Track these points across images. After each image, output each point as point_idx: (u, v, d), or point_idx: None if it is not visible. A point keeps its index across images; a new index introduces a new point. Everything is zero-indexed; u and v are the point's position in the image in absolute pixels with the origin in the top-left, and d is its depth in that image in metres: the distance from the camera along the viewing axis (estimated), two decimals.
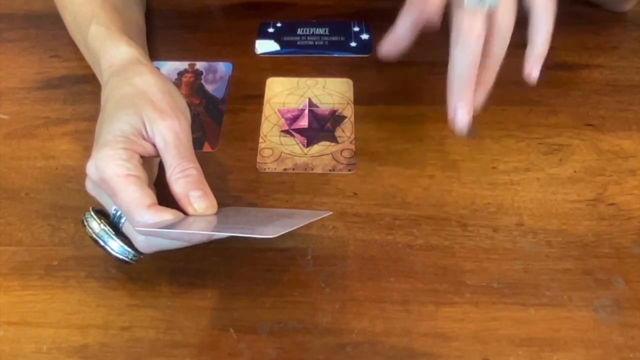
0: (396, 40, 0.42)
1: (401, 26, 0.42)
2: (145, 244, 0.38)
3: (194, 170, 0.38)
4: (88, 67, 0.51)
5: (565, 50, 0.57)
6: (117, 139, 0.38)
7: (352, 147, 0.49)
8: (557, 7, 0.43)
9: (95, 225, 0.38)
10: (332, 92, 0.54)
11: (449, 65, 0.40)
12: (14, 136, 0.50)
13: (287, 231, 0.34)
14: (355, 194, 0.46)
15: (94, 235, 0.38)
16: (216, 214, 0.39)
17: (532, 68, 0.42)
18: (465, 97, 0.40)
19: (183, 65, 0.56)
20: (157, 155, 0.40)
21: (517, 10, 0.40)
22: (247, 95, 0.54)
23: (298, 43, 0.59)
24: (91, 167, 0.37)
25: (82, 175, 0.40)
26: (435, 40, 0.57)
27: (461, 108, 0.40)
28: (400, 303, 0.40)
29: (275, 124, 0.51)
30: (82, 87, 0.54)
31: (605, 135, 0.50)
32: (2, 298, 0.40)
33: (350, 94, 0.53)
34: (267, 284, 0.41)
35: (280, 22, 0.61)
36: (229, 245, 0.42)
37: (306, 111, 0.52)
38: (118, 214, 0.38)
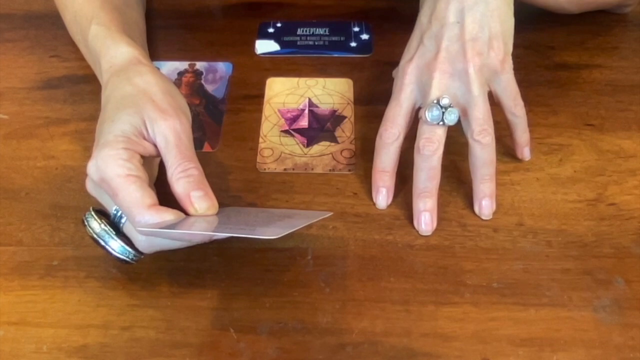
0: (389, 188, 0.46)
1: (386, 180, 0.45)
2: (145, 244, 0.38)
3: (195, 170, 0.38)
4: (88, 67, 0.51)
5: (565, 50, 0.57)
6: (118, 139, 0.38)
7: (352, 147, 0.49)
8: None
9: (96, 225, 0.38)
10: (332, 92, 0.54)
11: (413, 174, 0.44)
12: (14, 136, 0.50)
13: (288, 232, 0.34)
14: (355, 194, 0.46)
15: (95, 235, 0.38)
16: (217, 214, 0.39)
17: (524, 152, 0.48)
18: (429, 206, 0.43)
19: (183, 65, 0.56)
20: (158, 155, 0.40)
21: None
22: (247, 95, 0.54)
23: (298, 43, 0.59)
24: (92, 167, 0.37)
25: (82, 175, 0.40)
26: None
27: (424, 216, 0.43)
28: (400, 303, 0.40)
29: (275, 124, 0.51)
30: (82, 87, 0.54)
31: (605, 135, 0.50)
32: (2, 298, 0.40)
33: (350, 94, 0.54)
34: (267, 284, 0.41)
35: (280, 22, 0.61)
36: (230, 245, 0.42)
37: (306, 111, 0.52)
38: (119, 214, 0.38)
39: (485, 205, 0.44)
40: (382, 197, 0.45)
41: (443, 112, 0.42)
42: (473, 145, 0.43)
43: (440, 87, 0.43)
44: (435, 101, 0.42)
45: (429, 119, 0.42)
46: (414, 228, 0.44)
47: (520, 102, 0.45)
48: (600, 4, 0.58)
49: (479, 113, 0.42)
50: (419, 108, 0.44)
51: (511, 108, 0.45)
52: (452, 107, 0.42)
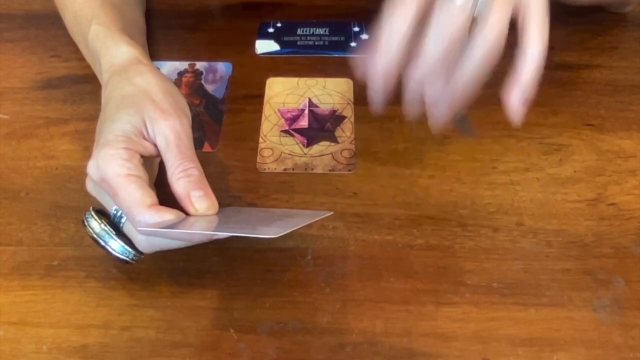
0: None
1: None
2: (146, 243, 0.38)
3: (195, 170, 0.38)
4: (88, 67, 0.51)
5: (565, 50, 0.57)
6: (118, 138, 0.38)
7: (352, 147, 0.49)
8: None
9: (96, 225, 0.38)
10: (332, 92, 0.54)
11: (421, 50, 0.36)
12: (14, 136, 0.50)
13: (288, 231, 0.34)
14: (355, 194, 0.46)
15: (95, 235, 0.38)
16: (217, 214, 0.39)
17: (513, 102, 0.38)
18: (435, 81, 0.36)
19: (183, 65, 0.56)
20: (158, 155, 0.40)
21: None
22: (247, 95, 0.54)
23: (298, 43, 0.59)
24: (92, 167, 0.37)
25: (82, 175, 0.40)
26: None
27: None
28: (400, 303, 0.40)
29: (275, 124, 0.51)
30: (82, 87, 0.54)
31: (605, 135, 0.50)
32: (2, 298, 0.40)
33: (350, 94, 0.54)
34: (267, 284, 0.41)
35: (280, 22, 0.61)
36: (229, 245, 0.42)
37: (306, 111, 0.52)
38: (119, 214, 0.38)
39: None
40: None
41: None
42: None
43: None
44: None
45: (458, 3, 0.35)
46: (414, 228, 0.44)
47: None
48: None
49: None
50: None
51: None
52: None
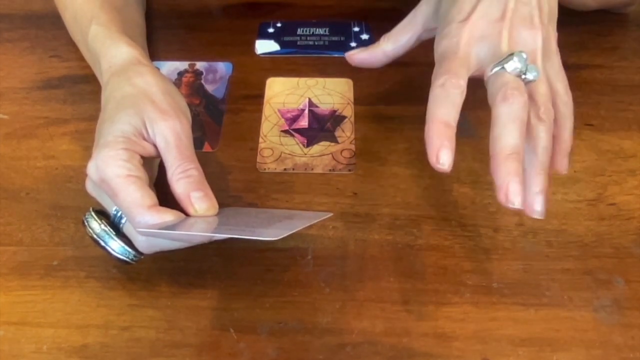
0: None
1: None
2: (145, 244, 0.38)
3: (195, 170, 0.38)
4: (88, 67, 0.51)
5: (565, 50, 0.57)
6: (118, 139, 0.38)
7: (352, 147, 0.49)
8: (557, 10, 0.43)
9: (96, 226, 0.38)
10: (332, 92, 0.54)
11: (491, 137, 0.36)
12: (14, 136, 0.50)
13: (288, 233, 0.34)
14: (355, 194, 0.46)
15: (95, 236, 0.38)
16: (217, 214, 0.39)
17: (562, 162, 0.40)
18: (515, 170, 0.35)
19: (183, 65, 0.56)
20: (158, 155, 0.40)
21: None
22: (247, 95, 0.54)
23: (298, 43, 0.59)
24: (92, 168, 0.37)
25: (82, 175, 0.40)
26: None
27: (513, 185, 0.35)
28: (400, 303, 0.40)
29: (275, 124, 0.51)
30: (82, 87, 0.54)
31: (605, 135, 0.50)
32: (2, 298, 0.40)
33: (350, 94, 0.54)
34: (267, 284, 0.41)
35: (280, 22, 0.61)
36: (229, 245, 0.42)
37: (306, 111, 0.52)
38: (118, 214, 0.38)
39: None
40: (447, 154, 0.35)
41: (527, 66, 0.38)
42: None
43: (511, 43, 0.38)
44: (511, 54, 0.38)
45: (509, 70, 0.37)
46: (414, 228, 0.44)
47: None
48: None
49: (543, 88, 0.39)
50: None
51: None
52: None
